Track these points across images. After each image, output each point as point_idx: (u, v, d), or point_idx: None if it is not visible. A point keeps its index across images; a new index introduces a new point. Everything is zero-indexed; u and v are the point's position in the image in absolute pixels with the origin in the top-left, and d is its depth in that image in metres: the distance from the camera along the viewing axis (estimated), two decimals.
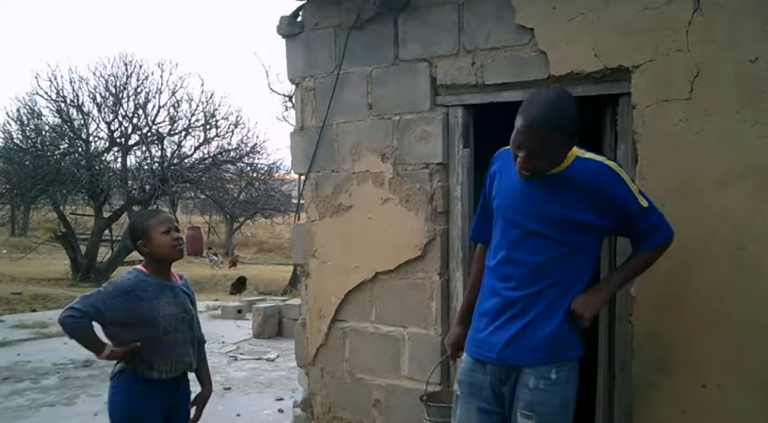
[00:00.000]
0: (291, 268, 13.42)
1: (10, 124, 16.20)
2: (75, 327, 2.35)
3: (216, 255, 19.87)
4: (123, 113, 15.84)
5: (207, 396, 2.73)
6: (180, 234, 2.56)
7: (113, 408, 2.48)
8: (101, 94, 15.66)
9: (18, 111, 16.10)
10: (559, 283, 2.04)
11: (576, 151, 2.04)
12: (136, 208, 15.69)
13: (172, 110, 16.08)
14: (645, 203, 2.06)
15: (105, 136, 16.10)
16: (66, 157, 15.61)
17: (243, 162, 17.64)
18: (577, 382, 2.10)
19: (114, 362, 2.52)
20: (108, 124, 15.90)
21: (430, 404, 2.56)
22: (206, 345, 2.82)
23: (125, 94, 15.78)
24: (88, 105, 15.77)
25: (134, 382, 2.45)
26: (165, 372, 2.48)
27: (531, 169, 1.97)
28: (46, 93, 15.53)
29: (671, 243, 2.15)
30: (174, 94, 16.06)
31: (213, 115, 16.39)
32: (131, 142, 16.20)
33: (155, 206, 15.07)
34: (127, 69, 15.75)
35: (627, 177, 2.04)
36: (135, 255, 15.50)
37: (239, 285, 13.39)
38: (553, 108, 1.91)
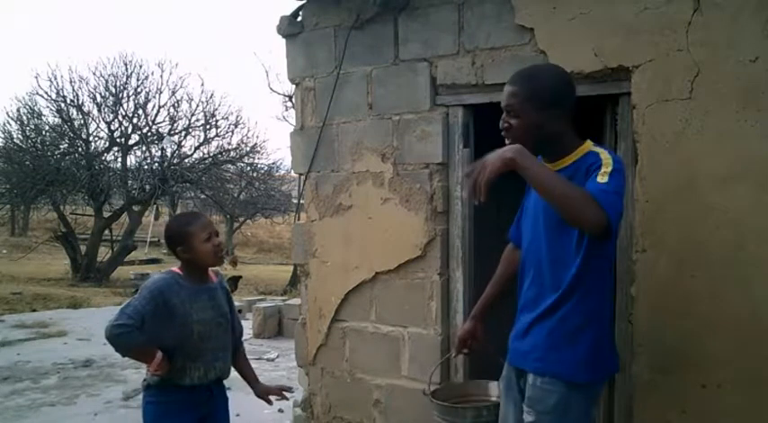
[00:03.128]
0: (291, 268, 13.44)
1: (10, 124, 16.25)
2: (128, 341, 2.25)
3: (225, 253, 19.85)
4: (123, 113, 15.89)
5: (265, 387, 2.69)
6: (220, 239, 2.48)
7: (146, 418, 2.43)
8: (101, 93, 15.70)
9: (18, 111, 16.15)
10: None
11: (590, 146, 1.98)
12: (136, 208, 15.72)
13: (172, 110, 16.14)
14: (603, 180, 1.82)
15: (105, 136, 16.15)
16: (67, 157, 15.63)
17: (243, 162, 17.68)
18: (588, 400, 2.01)
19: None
20: (108, 124, 15.94)
21: (434, 401, 2.51)
22: None
23: (125, 94, 15.82)
24: (88, 105, 15.83)
25: (166, 390, 2.38)
26: (197, 378, 2.40)
27: (506, 128, 1.97)
28: (46, 93, 15.58)
29: (595, 222, 1.73)
30: (174, 93, 16.12)
31: (213, 115, 16.45)
32: (131, 142, 16.23)
33: (155, 206, 15.09)
34: (127, 69, 15.81)
35: (608, 162, 1.87)
36: (135, 254, 15.51)
37: (232, 285, 13.45)
38: (533, 70, 1.97)
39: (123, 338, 2.24)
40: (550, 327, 1.98)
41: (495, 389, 2.57)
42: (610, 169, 1.84)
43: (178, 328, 2.34)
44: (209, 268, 2.52)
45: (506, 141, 1.95)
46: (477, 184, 1.72)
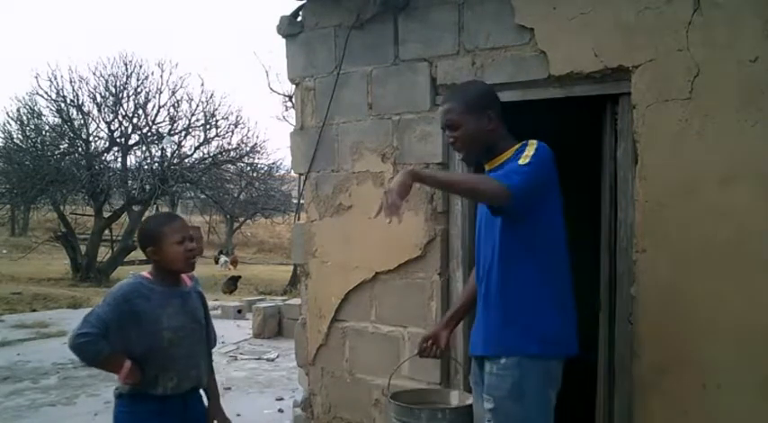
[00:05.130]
0: (291, 268, 13.45)
1: (10, 124, 16.27)
2: (92, 350, 2.14)
3: (226, 253, 19.86)
4: (123, 113, 15.91)
5: (219, 409, 2.47)
6: (194, 244, 2.30)
7: None
8: (101, 93, 15.73)
9: (18, 111, 16.18)
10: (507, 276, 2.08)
11: (523, 142, 2.12)
12: (136, 208, 15.72)
13: (172, 110, 16.14)
14: (524, 161, 2.00)
15: (105, 136, 16.17)
16: (67, 157, 15.65)
17: (243, 162, 17.68)
18: (543, 380, 2.05)
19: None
20: (108, 124, 15.96)
21: (391, 401, 2.49)
22: None
23: (125, 94, 15.84)
24: (88, 105, 15.85)
25: (138, 400, 2.25)
26: (170, 388, 2.26)
27: (452, 143, 2.20)
28: (46, 93, 15.60)
29: (491, 193, 1.93)
30: (174, 93, 16.13)
31: (213, 115, 16.46)
32: (131, 142, 16.24)
33: (155, 206, 15.08)
34: (127, 69, 15.82)
35: (533, 146, 2.04)
36: (135, 254, 15.51)
37: (231, 284, 13.44)
38: (460, 86, 2.22)
39: (86, 347, 2.13)
40: (497, 310, 2.09)
41: (456, 397, 2.60)
42: (532, 152, 2.02)
43: (147, 335, 2.21)
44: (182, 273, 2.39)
45: (458, 156, 2.17)
46: (391, 204, 1.86)
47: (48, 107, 15.97)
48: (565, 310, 2.08)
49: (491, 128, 2.12)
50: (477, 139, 2.13)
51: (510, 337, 2.05)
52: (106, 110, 15.84)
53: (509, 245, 2.05)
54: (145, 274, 2.32)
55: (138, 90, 15.92)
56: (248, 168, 18.16)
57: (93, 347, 2.14)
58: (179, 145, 16.40)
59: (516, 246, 2.05)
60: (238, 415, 4.63)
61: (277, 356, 6.79)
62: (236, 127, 16.96)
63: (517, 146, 2.10)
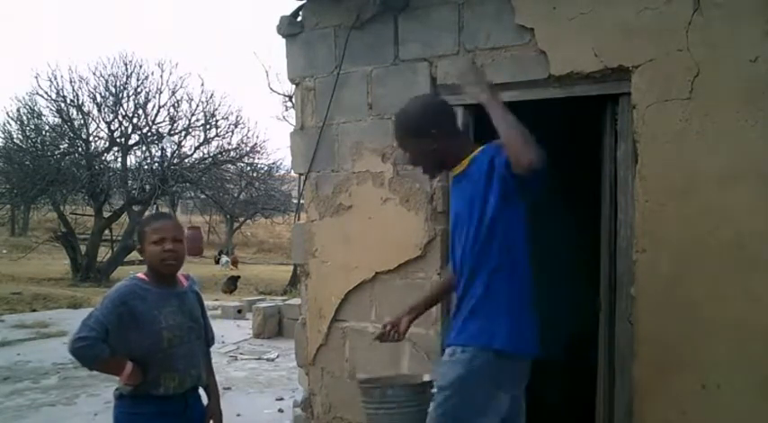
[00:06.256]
0: (291, 268, 13.44)
1: (10, 124, 16.24)
2: (92, 354, 2.13)
3: (226, 253, 19.87)
4: (123, 113, 15.87)
5: (217, 408, 2.46)
6: (175, 246, 2.26)
7: None
8: (101, 93, 15.69)
9: (18, 111, 16.14)
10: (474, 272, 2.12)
11: (480, 148, 2.13)
12: (136, 208, 15.72)
13: (172, 110, 16.12)
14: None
15: (105, 136, 16.14)
16: (67, 157, 15.63)
17: (243, 162, 17.66)
18: (490, 379, 2.03)
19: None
20: (108, 124, 15.93)
21: (360, 385, 2.53)
22: None
23: (125, 94, 15.80)
24: (88, 105, 15.81)
25: (139, 401, 2.24)
26: (171, 388, 2.25)
27: (409, 162, 2.29)
28: (46, 93, 15.56)
29: (532, 142, 1.93)
30: (174, 93, 16.09)
31: (213, 115, 16.43)
32: (131, 142, 16.23)
33: (155, 206, 15.08)
34: (127, 69, 15.79)
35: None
36: (135, 254, 15.54)
37: (231, 284, 13.44)
38: (401, 110, 2.26)
39: (86, 351, 2.12)
40: (463, 305, 2.14)
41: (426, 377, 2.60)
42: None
43: (146, 335, 2.20)
44: (179, 272, 2.37)
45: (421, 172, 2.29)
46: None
47: (48, 107, 15.96)
48: (524, 310, 2.09)
49: (435, 146, 2.15)
50: (426, 158, 2.20)
51: (468, 332, 2.08)
52: (106, 110, 15.82)
53: (475, 245, 2.08)
54: (141, 275, 2.32)
55: (138, 90, 15.90)
56: (248, 168, 18.14)
57: (93, 351, 2.14)
58: (179, 145, 16.39)
59: (480, 246, 2.07)
60: (238, 415, 4.63)
61: (277, 356, 6.79)
62: (236, 127, 16.95)
63: (476, 151, 2.12)
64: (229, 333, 8.01)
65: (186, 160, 16.34)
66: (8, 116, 16.80)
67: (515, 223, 2.09)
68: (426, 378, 2.47)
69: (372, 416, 2.42)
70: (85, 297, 11.11)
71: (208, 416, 2.44)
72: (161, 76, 18.18)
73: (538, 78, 2.82)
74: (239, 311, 9.49)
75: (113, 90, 15.68)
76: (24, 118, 16.15)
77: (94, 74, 17.07)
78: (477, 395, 2.03)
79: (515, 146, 1.92)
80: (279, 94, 16.10)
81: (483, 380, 2.02)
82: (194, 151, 16.59)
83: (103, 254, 16.04)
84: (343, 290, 3.40)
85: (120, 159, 16.33)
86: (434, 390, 2.10)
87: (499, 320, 2.04)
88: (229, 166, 17.48)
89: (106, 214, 16.19)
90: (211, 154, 16.73)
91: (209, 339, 2.49)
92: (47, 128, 16.08)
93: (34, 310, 10.00)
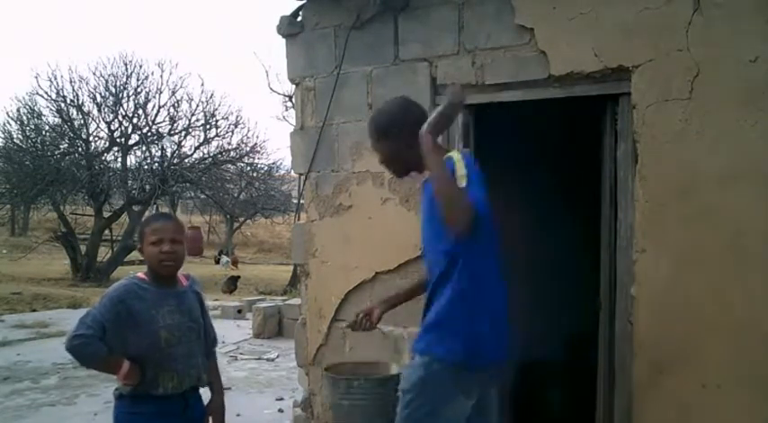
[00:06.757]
0: (291, 268, 13.44)
1: (10, 124, 16.22)
2: (89, 352, 2.13)
3: (226, 253, 19.87)
4: (123, 113, 15.86)
5: (220, 406, 2.44)
6: (174, 247, 2.26)
7: None
8: (101, 93, 15.68)
9: (18, 111, 16.12)
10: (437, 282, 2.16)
11: (450, 153, 2.13)
12: (136, 208, 15.72)
13: (172, 110, 16.11)
14: (464, 179, 2.00)
15: (105, 136, 16.13)
16: (67, 157, 15.62)
17: (243, 162, 17.65)
18: (450, 383, 2.06)
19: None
20: (108, 124, 15.92)
21: (330, 375, 2.60)
22: None
23: (125, 94, 15.79)
24: (88, 105, 15.80)
25: (139, 401, 2.24)
26: (170, 387, 2.24)
27: (381, 162, 2.34)
28: (46, 93, 15.55)
29: (461, 196, 1.95)
30: (174, 94, 16.08)
31: (213, 115, 16.42)
32: (131, 142, 16.22)
33: (155, 206, 15.08)
34: (127, 69, 15.78)
35: (461, 163, 2.03)
36: (135, 254, 15.56)
37: (231, 284, 13.43)
38: (374, 113, 2.37)
39: (83, 348, 2.12)
40: (426, 315, 2.18)
41: (395, 369, 2.67)
42: (462, 170, 2.02)
43: (144, 335, 2.20)
44: (180, 272, 2.37)
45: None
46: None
47: (48, 107, 15.94)
48: (484, 325, 2.08)
49: (402, 149, 2.21)
50: (397, 160, 2.28)
51: (426, 341, 2.12)
52: (106, 110, 15.81)
53: (439, 253, 2.11)
54: (140, 274, 2.32)
55: (138, 90, 15.89)
56: (248, 168, 18.13)
57: (90, 349, 2.13)
58: (179, 145, 16.37)
59: (443, 255, 2.09)
60: (238, 415, 4.63)
61: (277, 356, 6.78)
62: (236, 127, 16.93)
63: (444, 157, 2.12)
64: (229, 333, 8.01)
65: (186, 160, 16.33)
66: (8, 116, 16.81)
67: (480, 239, 2.07)
68: (394, 370, 2.54)
69: (338, 405, 2.53)
70: (85, 297, 11.11)
71: (208, 413, 2.43)
72: (161, 76, 18.23)
73: (538, 78, 2.82)
74: (239, 311, 9.49)
75: (113, 90, 15.68)
76: (24, 118, 16.14)
77: (94, 74, 17.09)
78: (437, 398, 2.07)
79: (442, 207, 1.97)
80: (279, 94, 16.12)
81: (442, 384, 2.07)
82: (194, 151, 16.59)
83: (103, 254, 16.03)
84: (343, 290, 3.40)
85: (120, 159, 16.32)
86: (399, 393, 2.15)
87: (457, 336, 2.07)
88: (229, 166, 17.47)
89: (106, 214, 16.18)
90: (211, 154, 16.73)
91: (210, 340, 2.48)
92: (47, 128, 16.08)
93: (34, 310, 9.99)
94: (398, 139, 2.21)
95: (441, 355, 2.07)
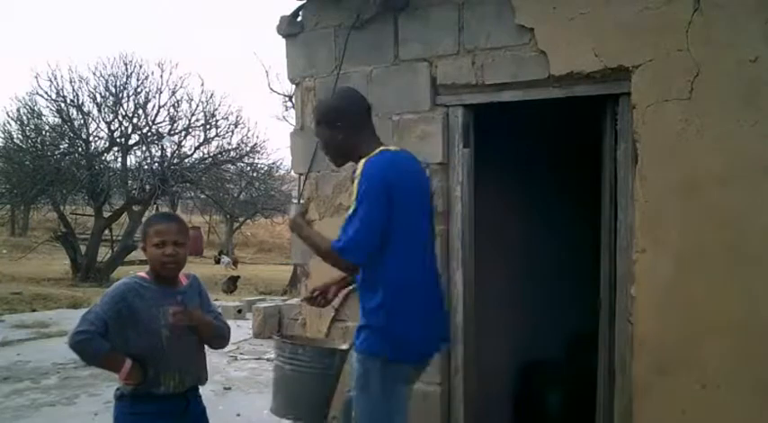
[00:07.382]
0: (291, 268, 13.43)
1: (10, 124, 16.24)
2: (92, 348, 2.14)
3: (226, 253, 19.88)
4: (123, 113, 15.88)
5: (199, 314, 2.35)
6: (176, 249, 2.27)
7: None
8: (101, 93, 15.71)
9: (18, 111, 16.14)
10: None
11: (379, 150, 2.25)
12: (136, 208, 15.73)
13: (172, 110, 16.12)
14: (352, 208, 2.18)
15: (105, 136, 16.15)
16: (67, 157, 15.63)
17: (243, 162, 17.66)
18: (387, 376, 2.22)
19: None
20: (108, 124, 15.94)
21: (282, 340, 2.64)
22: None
23: (125, 94, 15.82)
24: (88, 105, 15.83)
25: (140, 400, 2.24)
26: (172, 387, 2.25)
27: (320, 148, 2.47)
28: (46, 93, 15.56)
29: (335, 254, 2.23)
30: (174, 93, 16.09)
31: (213, 115, 16.44)
32: (131, 142, 16.23)
33: (155, 206, 15.08)
34: (127, 69, 15.80)
35: (360, 176, 2.17)
36: (135, 255, 15.54)
37: (231, 284, 13.43)
38: (318, 102, 2.57)
39: (85, 345, 2.14)
40: (361, 311, 2.31)
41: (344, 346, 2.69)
42: (357, 186, 2.17)
43: (144, 333, 2.21)
44: (181, 273, 2.38)
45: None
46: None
47: (48, 107, 15.96)
48: (408, 321, 2.21)
49: (340, 138, 2.34)
50: (332, 148, 2.40)
51: (361, 336, 2.26)
52: (106, 110, 15.82)
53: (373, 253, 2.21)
54: (142, 273, 2.33)
55: (138, 90, 15.90)
56: (248, 168, 18.15)
57: (93, 345, 2.15)
58: (179, 145, 16.39)
59: (379, 267, 2.21)
60: (238, 415, 4.63)
61: None
62: (236, 127, 16.95)
63: (372, 154, 2.24)
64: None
65: (186, 160, 16.34)
66: (8, 116, 16.82)
67: (396, 253, 2.19)
68: (343, 347, 2.62)
69: (280, 368, 2.57)
70: (85, 297, 11.11)
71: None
72: (161, 76, 18.25)
73: (538, 78, 2.82)
74: (239, 311, 9.49)
75: (113, 90, 15.70)
76: (24, 118, 16.16)
77: (94, 74, 17.15)
78: (377, 388, 2.22)
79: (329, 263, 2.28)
80: (279, 94, 16.10)
81: (379, 377, 2.22)
82: (194, 151, 16.61)
83: (103, 254, 16.03)
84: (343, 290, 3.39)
85: (120, 159, 16.34)
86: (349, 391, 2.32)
87: (385, 339, 2.22)
88: (229, 166, 17.49)
89: (106, 214, 16.19)
90: (211, 154, 16.75)
91: (224, 331, 2.48)
92: (47, 128, 16.09)
93: (34, 310, 9.98)
94: (334, 127, 2.33)
95: (373, 352, 2.22)
